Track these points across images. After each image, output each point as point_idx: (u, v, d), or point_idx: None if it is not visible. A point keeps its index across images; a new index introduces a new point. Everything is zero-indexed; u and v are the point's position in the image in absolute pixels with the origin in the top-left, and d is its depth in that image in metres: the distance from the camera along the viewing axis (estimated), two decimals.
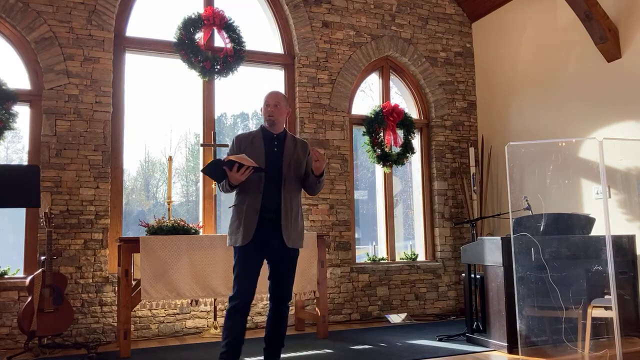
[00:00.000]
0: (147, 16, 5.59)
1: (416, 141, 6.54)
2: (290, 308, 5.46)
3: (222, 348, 3.25)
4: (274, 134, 3.51)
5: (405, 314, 5.85)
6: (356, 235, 6.20)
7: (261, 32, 6.10)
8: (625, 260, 4.56)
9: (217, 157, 3.24)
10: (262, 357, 3.49)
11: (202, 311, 5.16)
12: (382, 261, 6.16)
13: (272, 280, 3.45)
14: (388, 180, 6.37)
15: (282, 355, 3.56)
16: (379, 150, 6.19)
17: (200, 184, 5.58)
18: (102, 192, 4.97)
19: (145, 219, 4.92)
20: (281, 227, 3.34)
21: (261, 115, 3.57)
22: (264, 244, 3.33)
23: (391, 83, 6.58)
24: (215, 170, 3.31)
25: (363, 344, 4.57)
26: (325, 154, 5.88)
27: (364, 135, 6.22)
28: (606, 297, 3.94)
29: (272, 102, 3.50)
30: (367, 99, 6.70)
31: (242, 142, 3.46)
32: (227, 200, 5.48)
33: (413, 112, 6.62)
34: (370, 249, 6.27)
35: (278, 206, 3.35)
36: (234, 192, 3.44)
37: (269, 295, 3.47)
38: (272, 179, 3.35)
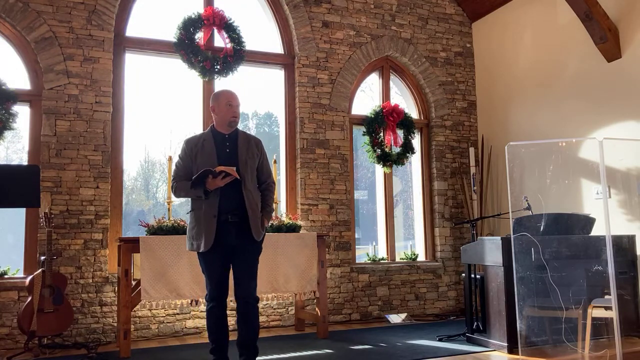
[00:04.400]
0: (147, 16, 5.59)
1: (416, 141, 6.54)
2: (290, 308, 5.48)
3: (210, 345, 3.38)
4: (225, 135, 3.46)
5: (405, 314, 5.85)
6: (356, 235, 6.20)
7: (261, 32, 6.10)
8: (625, 260, 4.55)
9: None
10: (265, 357, 3.45)
11: (202, 311, 5.16)
12: (382, 261, 6.16)
13: (234, 279, 3.40)
14: (388, 180, 6.37)
15: (283, 356, 3.55)
16: (379, 150, 6.19)
17: None
18: (102, 192, 4.97)
19: (145, 219, 4.92)
20: (250, 226, 3.33)
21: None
22: (225, 245, 3.33)
23: (391, 83, 6.58)
24: (198, 179, 3.28)
25: (363, 344, 4.57)
26: (325, 154, 5.89)
27: (364, 135, 6.22)
28: (606, 297, 3.94)
29: (237, 102, 3.46)
30: (367, 99, 6.70)
31: (194, 147, 3.42)
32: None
33: (413, 112, 6.62)
34: (370, 249, 6.27)
35: (240, 206, 3.33)
36: (189, 198, 3.42)
37: (234, 296, 3.41)
38: (230, 181, 3.30)
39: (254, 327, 3.37)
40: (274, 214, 4.87)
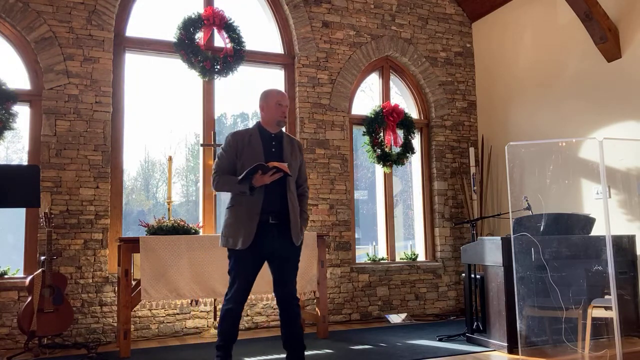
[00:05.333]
0: (147, 16, 5.59)
1: (416, 141, 6.54)
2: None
3: (218, 342, 3.30)
4: (272, 134, 3.43)
5: (405, 314, 5.85)
6: (356, 235, 6.19)
7: (261, 32, 6.10)
8: (625, 260, 4.55)
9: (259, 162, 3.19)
10: (264, 357, 3.45)
11: (202, 311, 5.16)
12: (382, 261, 6.16)
13: (274, 281, 3.37)
14: (388, 180, 6.37)
15: (282, 356, 3.55)
16: (379, 150, 6.18)
17: (200, 184, 5.58)
18: (102, 192, 4.97)
19: (145, 219, 4.92)
20: (290, 229, 3.30)
21: (259, 113, 3.50)
22: (264, 246, 3.28)
23: (391, 83, 6.58)
24: (250, 173, 3.19)
25: (363, 344, 4.57)
26: (325, 154, 5.89)
27: (364, 135, 6.22)
28: (606, 297, 3.94)
29: (286, 102, 3.43)
30: (367, 99, 6.70)
31: (240, 141, 3.37)
32: (227, 200, 5.48)
33: (413, 112, 6.62)
34: (370, 249, 6.27)
35: (283, 208, 3.30)
36: (229, 193, 3.38)
37: (276, 299, 3.38)
38: (274, 181, 3.25)
39: (300, 326, 3.38)
40: None
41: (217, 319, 5.09)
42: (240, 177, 3.21)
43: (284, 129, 3.56)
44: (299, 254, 3.43)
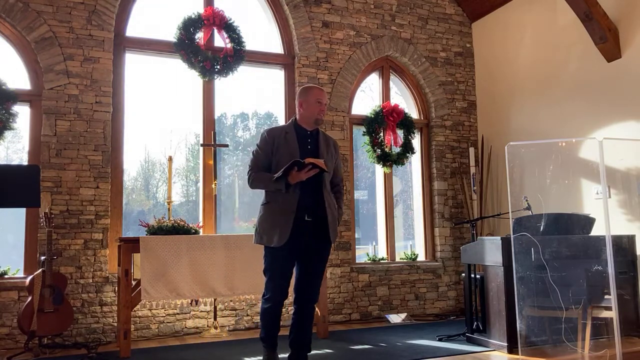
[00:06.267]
0: (147, 16, 5.59)
1: (416, 141, 6.54)
2: (290, 308, 5.47)
3: (262, 334, 3.34)
4: (308, 131, 3.38)
5: (405, 314, 5.85)
6: (356, 235, 6.19)
7: (261, 32, 6.10)
8: (625, 260, 4.56)
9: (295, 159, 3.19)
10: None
11: (202, 311, 5.16)
12: (382, 261, 6.16)
13: (300, 280, 3.33)
14: (388, 180, 6.37)
15: (282, 355, 3.54)
16: (379, 150, 6.19)
17: (200, 184, 5.58)
18: (102, 192, 4.97)
19: (145, 219, 4.92)
20: (328, 226, 3.28)
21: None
22: (298, 244, 3.24)
23: (391, 83, 6.58)
24: (287, 170, 3.16)
25: (363, 344, 4.57)
26: None
27: (364, 135, 6.22)
28: (606, 297, 3.94)
29: (326, 100, 3.39)
30: (367, 99, 6.70)
31: (276, 138, 3.32)
32: (227, 200, 5.49)
33: (413, 112, 6.62)
34: (370, 249, 6.27)
35: (319, 205, 3.27)
36: (263, 190, 3.35)
37: (294, 297, 3.36)
38: (310, 179, 3.20)
39: (311, 328, 3.36)
40: None
41: (217, 319, 5.10)
42: (276, 175, 3.17)
43: (319, 127, 3.50)
44: (329, 253, 3.41)
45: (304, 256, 3.31)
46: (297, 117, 3.43)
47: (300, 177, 3.15)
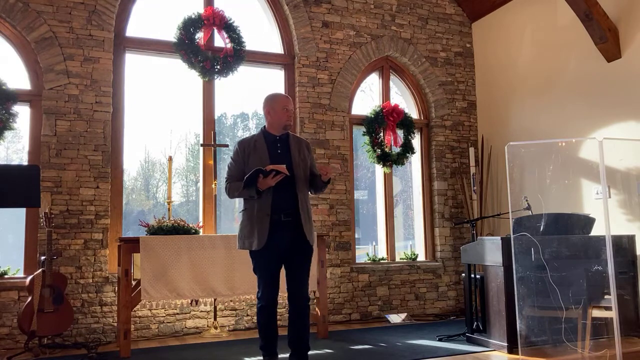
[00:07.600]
0: (147, 16, 5.59)
1: (416, 141, 6.54)
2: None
3: (260, 341, 3.44)
4: (277, 136, 3.52)
5: (405, 314, 5.85)
6: (356, 235, 6.19)
7: (261, 32, 6.10)
8: (625, 260, 4.56)
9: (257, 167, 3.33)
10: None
11: (202, 311, 5.16)
12: (382, 261, 6.16)
13: (288, 278, 3.46)
14: (388, 180, 6.37)
15: (282, 355, 3.55)
16: (379, 150, 6.19)
17: (200, 184, 5.58)
18: (102, 192, 4.97)
19: (145, 219, 4.92)
20: (302, 226, 3.39)
21: (262, 116, 3.59)
22: (278, 246, 3.36)
23: (391, 83, 6.58)
24: (250, 179, 3.31)
25: (363, 344, 4.57)
26: (326, 154, 5.89)
27: (364, 135, 6.22)
28: (606, 297, 3.94)
29: (292, 106, 3.56)
30: (367, 99, 6.70)
31: (246, 147, 3.48)
32: (227, 200, 5.49)
33: (413, 112, 6.62)
34: (370, 249, 6.27)
35: (293, 207, 3.39)
36: (241, 198, 3.48)
37: (287, 296, 3.47)
38: (283, 181, 3.33)
39: (306, 325, 3.44)
40: None
41: (217, 319, 5.10)
42: (242, 183, 3.33)
43: (289, 131, 3.63)
44: (311, 251, 3.49)
45: (288, 255, 3.43)
46: (266, 124, 3.59)
47: (268, 183, 3.29)
